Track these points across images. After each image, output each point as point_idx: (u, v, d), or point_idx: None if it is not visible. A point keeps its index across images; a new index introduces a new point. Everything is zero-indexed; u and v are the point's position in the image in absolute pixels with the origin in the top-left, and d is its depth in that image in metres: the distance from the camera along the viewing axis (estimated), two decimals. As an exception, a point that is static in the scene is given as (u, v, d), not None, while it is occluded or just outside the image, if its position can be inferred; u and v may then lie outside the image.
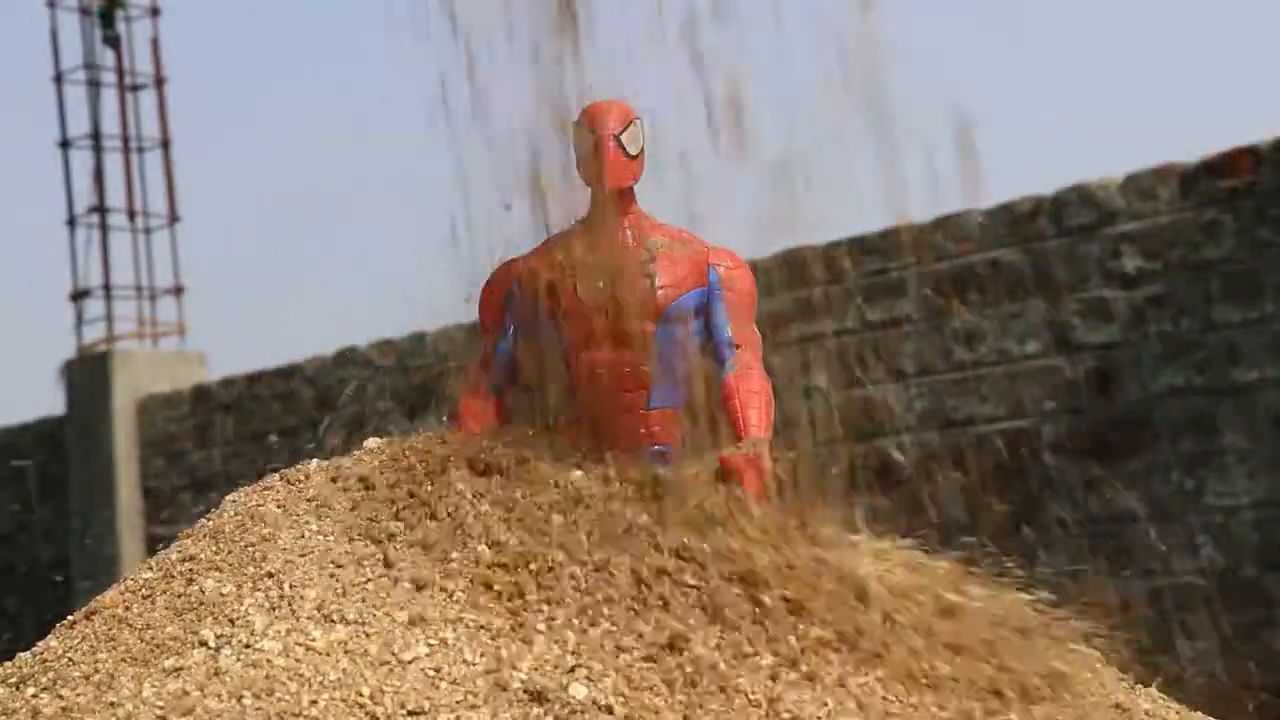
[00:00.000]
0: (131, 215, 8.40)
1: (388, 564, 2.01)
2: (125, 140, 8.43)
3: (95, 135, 8.42)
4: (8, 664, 1.99)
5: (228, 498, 2.20)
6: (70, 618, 2.04)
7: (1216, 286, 4.06)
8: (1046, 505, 4.33)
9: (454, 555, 2.02)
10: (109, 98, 8.48)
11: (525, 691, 1.79)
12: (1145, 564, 4.14)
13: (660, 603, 1.98)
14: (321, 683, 1.77)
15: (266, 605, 1.91)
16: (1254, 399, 3.99)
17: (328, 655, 1.82)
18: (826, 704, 1.86)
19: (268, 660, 1.81)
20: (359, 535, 2.07)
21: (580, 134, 2.46)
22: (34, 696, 1.86)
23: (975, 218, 4.53)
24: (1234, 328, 4.03)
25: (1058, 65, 17.58)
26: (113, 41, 8.45)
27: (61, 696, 1.83)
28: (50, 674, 1.90)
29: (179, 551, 2.09)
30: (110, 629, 1.96)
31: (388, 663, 1.81)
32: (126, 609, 2.00)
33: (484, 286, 2.60)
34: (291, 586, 1.94)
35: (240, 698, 1.74)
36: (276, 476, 2.23)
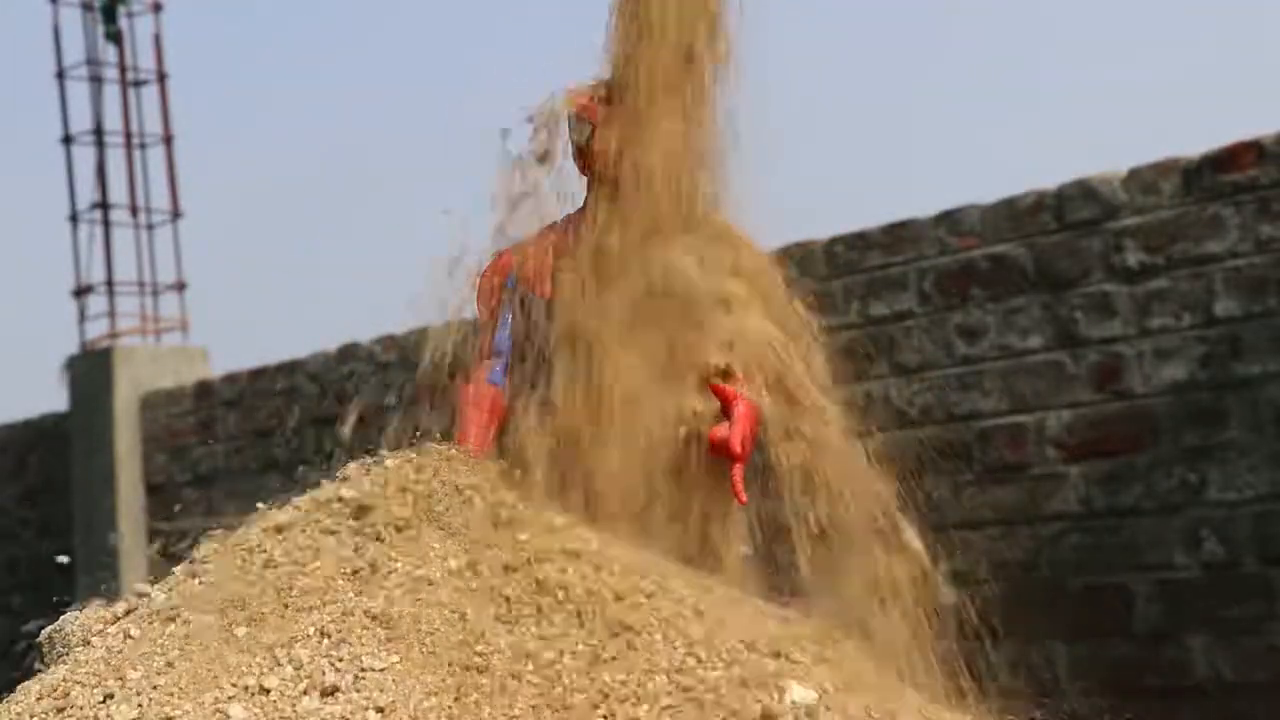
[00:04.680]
0: (134, 211, 8.40)
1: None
2: (128, 136, 8.43)
3: (98, 131, 8.41)
4: None
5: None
6: None
7: (1219, 281, 4.06)
8: (1048, 500, 4.33)
9: None
10: (111, 94, 8.48)
11: None
12: (1147, 558, 4.14)
13: None
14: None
15: None
16: (1257, 393, 3.99)
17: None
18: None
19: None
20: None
21: (575, 122, 2.46)
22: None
23: (976, 212, 4.53)
24: (1237, 322, 4.03)
25: (1059, 58, 17.56)
26: (115, 37, 8.43)
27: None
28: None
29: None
30: None
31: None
32: None
33: (480, 276, 2.60)
34: None
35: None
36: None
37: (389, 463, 2.35)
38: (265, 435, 6.91)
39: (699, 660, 1.99)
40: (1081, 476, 4.26)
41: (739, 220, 2.70)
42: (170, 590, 2.14)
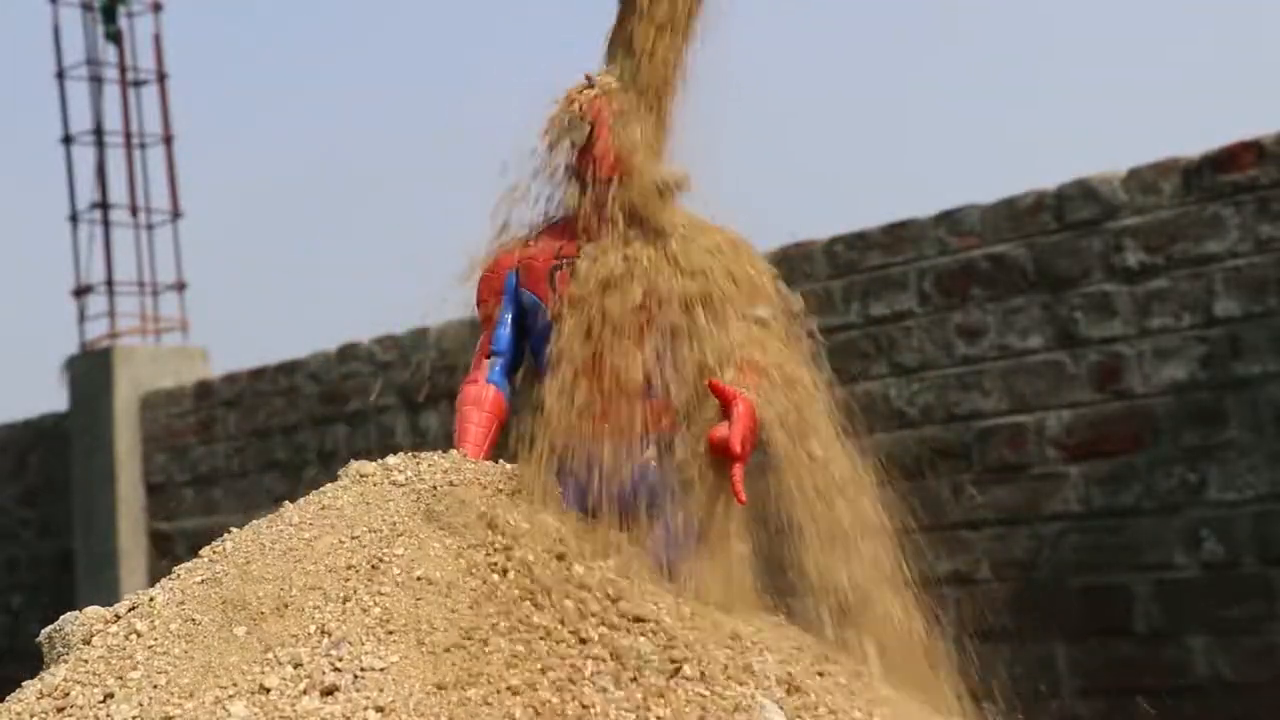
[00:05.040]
0: (134, 211, 8.40)
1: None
2: (128, 136, 8.43)
3: (98, 131, 8.42)
4: None
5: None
6: None
7: (1219, 281, 4.06)
8: (1049, 500, 4.33)
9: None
10: (111, 94, 8.49)
11: None
12: (1147, 558, 4.14)
13: None
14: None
15: None
16: (1257, 393, 3.99)
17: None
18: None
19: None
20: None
21: (574, 122, 2.47)
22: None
23: (976, 212, 4.53)
24: (1236, 322, 4.03)
25: (1059, 58, 17.57)
26: (115, 37, 8.44)
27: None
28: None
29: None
30: None
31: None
32: None
33: (481, 274, 2.60)
34: None
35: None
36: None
37: (391, 462, 2.36)
38: (265, 435, 6.91)
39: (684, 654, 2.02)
40: (1081, 476, 4.27)
41: (729, 220, 2.69)
42: (170, 590, 2.14)
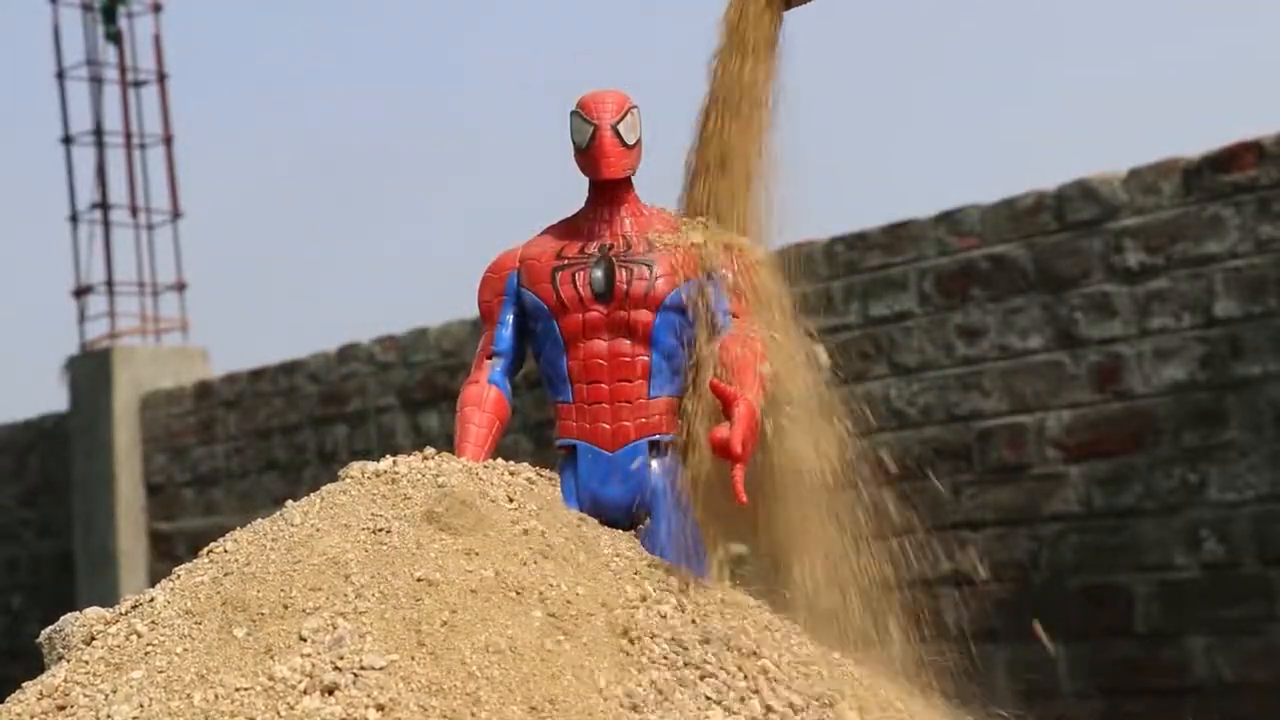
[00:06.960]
0: (134, 211, 8.41)
1: None
2: (128, 136, 8.44)
3: (98, 131, 8.43)
4: None
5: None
6: None
7: (1219, 281, 4.06)
8: (1048, 500, 4.33)
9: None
10: (111, 94, 8.50)
11: None
12: (1147, 558, 4.15)
13: None
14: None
15: None
16: (1257, 393, 3.99)
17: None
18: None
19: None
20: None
21: (576, 123, 2.48)
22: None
23: (976, 212, 4.53)
24: (1237, 322, 4.03)
25: (1059, 58, 17.57)
26: (115, 37, 8.45)
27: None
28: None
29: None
30: None
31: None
32: None
33: (483, 275, 2.62)
34: None
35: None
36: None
37: (391, 462, 2.36)
38: (265, 435, 6.91)
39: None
40: (1081, 476, 4.27)
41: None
42: (170, 590, 2.14)
